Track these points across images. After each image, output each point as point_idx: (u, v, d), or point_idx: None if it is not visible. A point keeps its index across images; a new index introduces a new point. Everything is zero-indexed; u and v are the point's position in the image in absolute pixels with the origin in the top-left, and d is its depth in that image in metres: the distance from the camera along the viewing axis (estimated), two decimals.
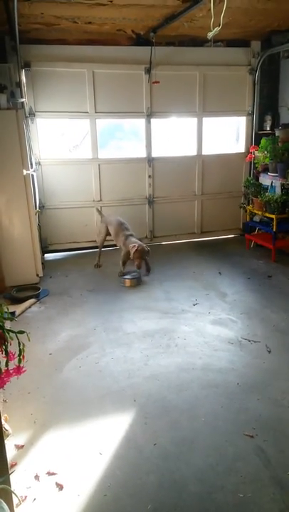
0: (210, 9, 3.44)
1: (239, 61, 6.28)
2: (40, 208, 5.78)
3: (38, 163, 5.82)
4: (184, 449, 2.54)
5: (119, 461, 2.46)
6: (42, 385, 3.18)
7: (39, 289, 4.84)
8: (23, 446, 2.58)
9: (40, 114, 5.74)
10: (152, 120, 6.16)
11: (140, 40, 5.79)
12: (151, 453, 2.51)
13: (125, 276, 5.14)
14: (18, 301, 4.57)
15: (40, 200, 5.85)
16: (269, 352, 3.55)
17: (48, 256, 6.09)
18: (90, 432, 2.69)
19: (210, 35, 3.57)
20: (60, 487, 2.31)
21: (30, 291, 4.79)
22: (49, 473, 2.39)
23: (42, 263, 5.28)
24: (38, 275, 5.10)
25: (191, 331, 3.93)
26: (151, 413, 2.85)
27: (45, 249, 6.05)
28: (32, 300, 4.60)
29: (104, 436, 2.66)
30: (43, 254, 5.89)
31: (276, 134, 5.94)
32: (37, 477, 2.36)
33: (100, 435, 2.67)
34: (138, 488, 2.29)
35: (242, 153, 6.66)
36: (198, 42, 5.99)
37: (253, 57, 6.27)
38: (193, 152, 6.49)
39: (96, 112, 5.93)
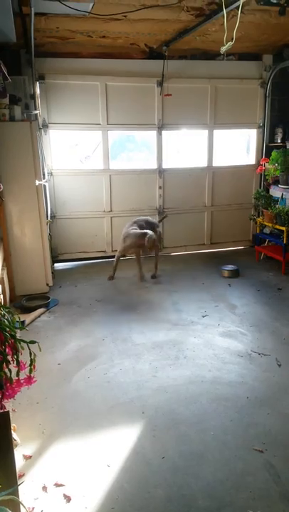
0: (222, 24, 3.49)
1: (251, 74, 6.33)
2: (51, 217, 5.83)
3: (50, 174, 5.89)
4: (192, 462, 2.51)
5: (127, 474, 2.44)
6: (50, 395, 3.18)
7: (49, 298, 4.86)
8: (31, 456, 2.58)
9: (53, 125, 5.82)
10: (163, 132, 6.21)
11: (153, 54, 5.87)
12: (160, 466, 2.49)
13: (224, 268, 5.62)
14: (28, 310, 4.59)
15: (51, 210, 5.91)
16: (279, 366, 3.51)
17: (58, 265, 6.13)
18: (98, 444, 2.68)
19: (223, 49, 3.60)
20: (68, 499, 2.29)
21: (40, 301, 4.81)
22: (57, 485, 2.38)
23: (52, 272, 5.31)
24: (47, 284, 5.13)
25: (200, 343, 3.91)
26: (159, 426, 2.83)
27: (55, 259, 6.09)
28: (41, 309, 4.62)
29: (112, 448, 2.64)
30: (53, 264, 5.92)
31: (287, 147, 5.95)
32: (45, 488, 2.35)
33: (108, 447, 2.65)
34: (146, 501, 2.27)
35: (252, 165, 6.67)
36: (210, 55, 6.06)
37: (265, 70, 6.31)
38: (204, 164, 6.52)
39: (108, 124, 6.00)
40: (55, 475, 2.44)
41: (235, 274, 5.60)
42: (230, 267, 5.68)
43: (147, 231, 5.29)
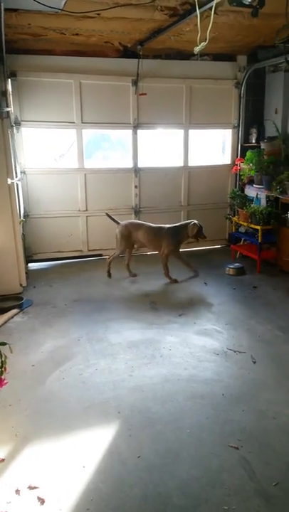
0: (196, 24, 3.50)
1: (225, 75, 6.39)
2: (24, 217, 5.73)
3: (23, 172, 5.79)
4: (168, 461, 2.50)
5: (103, 475, 2.41)
6: (24, 397, 3.11)
7: (22, 299, 4.77)
8: (3, 459, 2.51)
9: (26, 123, 5.72)
10: (139, 131, 6.20)
11: (127, 53, 5.85)
12: (136, 465, 2.47)
13: (230, 266, 5.67)
14: (1, 311, 4.49)
15: (24, 209, 5.81)
16: (254, 363, 3.54)
17: (32, 265, 6.03)
18: (73, 445, 2.64)
19: (196, 49, 3.63)
20: (42, 501, 2.24)
21: (13, 302, 4.71)
22: (30, 488, 2.33)
23: (26, 273, 5.21)
24: (21, 285, 5.04)
25: (177, 342, 3.91)
26: (135, 425, 2.81)
27: (29, 259, 5.99)
28: (15, 310, 4.53)
29: (87, 449, 2.60)
30: (27, 264, 5.82)
31: (261, 147, 6.02)
32: (18, 491, 2.29)
33: (83, 448, 2.61)
34: (121, 501, 2.24)
35: (228, 165, 6.73)
36: (185, 55, 6.08)
37: (239, 71, 6.38)
38: (180, 163, 6.55)
39: (82, 122, 5.94)
40: (29, 478, 2.39)
41: (240, 272, 5.65)
42: (235, 265, 5.73)
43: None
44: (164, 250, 5.32)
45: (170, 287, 5.25)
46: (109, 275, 5.53)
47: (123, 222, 5.41)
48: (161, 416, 2.89)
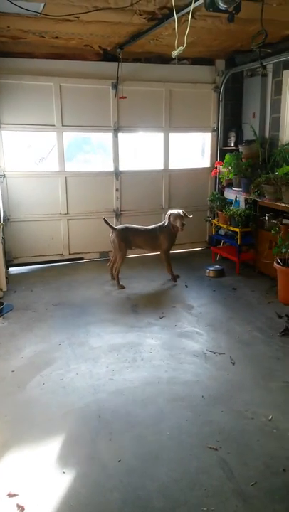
0: (175, 28, 3.54)
1: (204, 79, 6.46)
2: (4, 220, 5.68)
3: (3, 176, 5.75)
4: (148, 464, 2.52)
5: (83, 480, 2.41)
6: (3, 403, 3.09)
7: (2, 304, 4.73)
8: None
9: (6, 126, 5.68)
10: (119, 134, 6.22)
11: (107, 56, 5.87)
12: (116, 469, 2.48)
13: (210, 268, 5.74)
14: None
15: (4, 212, 5.76)
16: (233, 364, 3.60)
17: (13, 270, 5.98)
18: (53, 451, 2.64)
19: (174, 53, 3.67)
20: (22, 509, 2.24)
21: None
22: (10, 495, 2.32)
23: (6, 277, 5.17)
24: (1, 290, 5.00)
25: (157, 344, 3.93)
26: (115, 429, 2.82)
27: (9, 263, 5.94)
28: None
29: (67, 454, 2.61)
30: (7, 268, 5.77)
31: (240, 150, 6.10)
32: None
33: (63, 453, 2.61)
34: (102, 506, 2.26)
35: (207, 168, 6.80)
36: (165, 59, 6.12)
37: (218, 75, 6.46)
38: (160, 166, 6.58)
39: (63, 125, 5.93)
40: (8, 485, 2.37)
41: (220, 274, 5.72)
42: (215, 267, 5.79)
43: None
44: (163, 247, 5.41)
45: (150, 290, 5.28)
46: (121, 286, 5.32)
47: (119, 227, 5.39)
48: (142, 419, 2.91)
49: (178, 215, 5.28)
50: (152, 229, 5.44)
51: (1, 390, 3.24)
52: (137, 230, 5.41)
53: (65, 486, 2.37)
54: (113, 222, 6.38)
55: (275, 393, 3.20)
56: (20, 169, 5.95)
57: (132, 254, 6.54)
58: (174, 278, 5.51)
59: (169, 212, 5.40)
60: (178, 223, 5.25)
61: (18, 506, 2.25)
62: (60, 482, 2.40)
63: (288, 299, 4.78)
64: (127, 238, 5.31)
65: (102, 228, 6.20)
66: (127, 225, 5.47)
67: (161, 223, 5.47)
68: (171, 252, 5.58)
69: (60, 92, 5.82)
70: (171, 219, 5.32)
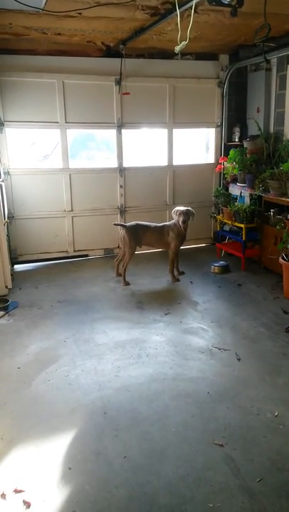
0: (177, 23, 3.51)
1: (208, 74, 6.42)
2: (9, 218, 5.69)
3: (8, 173, 5.75)
4: (154, 460, 2.52)
5: (89, 476, 2.42)
6: (9, 400, 3.11)
7: (8, 301, 4.75)
8: None
9: (9, 123, 5.69)
10: (123, 131, 6.20)
11: (110, 52, 5.85)
12: (121, 466, 2.49)
13: (215, 264, 5.71)
14: None
15: (9, 210, 5.77)
16: (239, 360, 3.59)
17: (18, 267, 6.00)
18: (59, 447, 2.64)
19: (177, 49, 3.64)
20: (28, 505, 2.25)
21: None
22: (16, 491, 2.32)
23: (11, 274, 5.19)
24: (6, 287, 5.00)
25: (163, 341, 3.93)
26: (121, 425, 2.82)
27: (14, 261, 5.95)
28: (0, 313, 4.50)
29: (73, 450, 2.61)
30: (13, 266, 5.79)
31: (244, 146, 6.07)
32: (3, 495, 2.29)
33: (69, 450, 2.62)
34: (108, 502, 2.26)
35: (212, 163, 6.77)
36: (168, 54, 6.09)
37: (222, 70, 6.42)
38: (164, 162, 6.56)
39: (66, 122, 5.92)
40: (15, 481, 2.38)
41: (225, 270, 5.69)
42: (220, 263, 5.76)
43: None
44: (171, 246, 5.37)
45: (155, 286, 5.27)
46: (126, 283, 5.31)
47: (130, 224, 5.35)
48: (147, 416, 2.91)
49: (181, 212, 5.25)
50: (162, 226, 5.40)
51: (7, 387, 3.25)
52: (147, 227, 5.38)
53: (71, 483, 2.38)
54: (118, 219, 6.40)
55: (281, 389, 3.19)
56: (25, 167, 5.95)
57: (137, 251, 6.54)
58: (175, 278, 5.44)
59: (176, 208, 5.36)
60: (180, 220, 5.21)
61: (25, 502, 2.25)
62: (66, 478, 2.40)
63: None
64: (137, 235, 5.29)
65: (106, 225, 6.24)
66: (138, 222, 5.43)
67: (171, 221, 5.42)
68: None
69: (64, 89, 5.80)
70: (176, 215, 5.29)
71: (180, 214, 5.24)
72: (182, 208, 5.28)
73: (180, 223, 5.22)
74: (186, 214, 5.23)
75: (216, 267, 5.72)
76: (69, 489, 2.33)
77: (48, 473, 2.45)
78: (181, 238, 5.40)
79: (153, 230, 5.37)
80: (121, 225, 5.33)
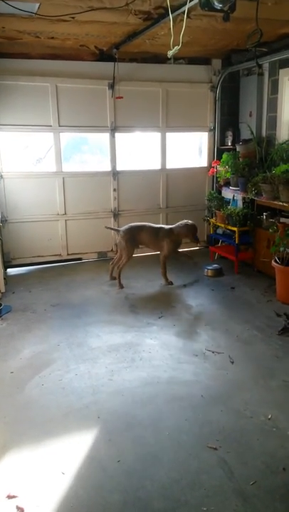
0: (170, 28, 3.53)
1: (201, 78, 6.46)
2: (2, 221, 5.68)
3: (1, 177, 5.74)
4: (147, 464, 2.52)
5: (83, 481, 2.41)
6: (2, 404, 3.09)
7: (1, 305, 4.72)
8: None
9: (2, 127, 5.68)
10: (116, 134, 6.21)
11: (103, 56, 5.86)
12: (115, 470, 2.48)
13: (208, 267, 5.73)
14: None
15: (2, 213, 5.76)
16: (232, 363, 3.59)
17: (11, 271, 5.97)
18: (53, 452, 2.63)
19: (170, 53, 3.67)
20: (21, 510, 2.23)
21: None
22: (9, 497, 2.31)
23: (4, 278, 5.17)
24: None
25: (156, 344, 3.93)
26: (115, 429, 2.81)
27: (7, 264, 5.92)
28: None
29: (67, 455, 2.60)
30: (6, 269, 5.76)
31: (237, 149, 6.10)
32: None
33: (62, 454, 2.61)
34: (102, 507, 2.25)
35: (205, 167, 6.80)
36: (161, 59, 6.11)
37: (214, 74, 6.46)
38: (158, 166, 6.58)
39: (60, 126, 5.93)
40: (8, 487, 2.37)
41: (218, 273, 5.72)
42: (214, 266, 5.78)
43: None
44: (165, 251, 5.32)
45: (149, 290, 5.28)
46: (121, 286, 5.32)
47: (124, 228, 5.32)
48: (141, 419, 2.90)
49: (189, 227, 5.29)
50: (159, 228, 5.37)
51: (0, 391, 3.23)
52: (142, 226, 5.35)
53: (65, 487, 2.36)
54: (111, 223, 6.40)
55: (274, 392, 3.20)
56: (18, 170, 5.94)
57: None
58: (168, 282, 5.41)
59: (186, 221, 5.36)
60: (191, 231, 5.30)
61: (18, 508, 2.24)
62: (59, 483, 2.39)
63: (287, 297, 4.78)
64: (133, 237, 5.27)
65: (100, 229, 6.24)
66: (131, 224, 5.39)
67: (170, 226, 5.39)
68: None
69: (57, 93, 5.81)
70: (181, 226, 5.29)
71: (187, 228, 5.30)
72: (191, 223, 5.32)
73: (192, 239, 5.36)
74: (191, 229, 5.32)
75: (209, 270, 5.73)
76: (63, 494, 2.32)
77: (41, 478, 2.43)
78: (175, 247, 5.38)
79: (148, 230, 5.33)
80: (114, 230, 5.32)
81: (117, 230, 5.29)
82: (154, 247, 5.48)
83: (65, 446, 2.67)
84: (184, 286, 5.36)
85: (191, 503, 2.25)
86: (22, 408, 3.06)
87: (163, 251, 5.35)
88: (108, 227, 5.39)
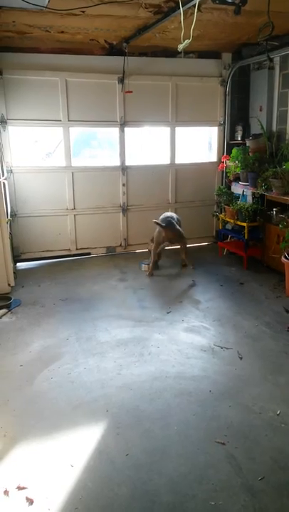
0: (181, 21, 3.51)
1: (211, 72, 6.40)
2: (11, 216, 5.70)
3: (10, 171, 5.76)
4: (156, 458, 2.53)
5: (91, 473, 2.43)
6: (12, 397, 3.12)
7: (10, 299, 4.76)
8: None
9: (13, 121, 5.69)
10: (126, 129, 6.20)
11: (113, 50, 5.84)
12: (124, 464, 2.50)
13: (144, 263, 5.78)
14: None
15: (12, 208, 5.78)
16: (241, 358, 3.59)
17: (21, 265, 6.01)
18: (62, 445, 2.66)
19: (180, 47, 3.64)
20: (31, 501, 2.26)
21: (1, 302, 4.69)
22: (19, 488, 2.34)
23: (14, 272, 5.20)
24: (9, 285, 5.02)
25: (165, 339, 3.93)
26: (123, 423, 2.83)
27: (17, 259, 5.96)
28: (3, 310, 4.51)
29: (75, 448, 2.62)
30: (15, 264, 5.80)
31: (247, 144, 6.06)
32: (6, 492, 2.31)
33: (71, 447, 2.63)
34: (110, 500, 2.27)
35: (214, 162, 6.76)
36: (171, 53, 6.07)
37: (224, 68, 6.40)
38: (167, 161, 6.56)
39: (69, 120, 5.92)
40: (18, 478, 2.40)
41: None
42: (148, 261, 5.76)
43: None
44: (184, 240, 5.61)
45: (158, 285, 5.28)
46: (152, 274, 5.58)
47: (165, 223, 5.46)
48: (149, 414, 2.92)
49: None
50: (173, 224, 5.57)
51: (10, 385, 3.26)
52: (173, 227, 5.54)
53: (74, 480, 2.39)
54: (120, 218, 6.41)
55: (283, 388, 3.19)
56: (27, 165, 5.96)
57: (138, 249, 6.56)
58: (151, 272, 5.58)
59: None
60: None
61: (28, 499, 2.27)
62: (68, 475, 2.42)
63: None
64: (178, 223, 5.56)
65: (108, 223, 6.26)
66: (166, 215, 5.66)
67: (173, 219, 5.57)
68: (177, 247, 5.60)
69: (67, 87, 5.80)
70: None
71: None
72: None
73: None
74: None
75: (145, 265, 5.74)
76: (71, 486, 2.34)
77: (50, 470, 2.46)
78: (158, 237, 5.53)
79: (173, 229, 5.53)
80: (159, 225, 5.46)
81: (162, 226, 5.42)
82: (177, 242, 5.64)
83: (74, 439, 2.70)
84: (193, 281, 5.34)
85: (199, 497, 2.27)
86: (31, 401, 3.09)
87: (183, 242, 5.60)
88: (156, 222, 5.51)
